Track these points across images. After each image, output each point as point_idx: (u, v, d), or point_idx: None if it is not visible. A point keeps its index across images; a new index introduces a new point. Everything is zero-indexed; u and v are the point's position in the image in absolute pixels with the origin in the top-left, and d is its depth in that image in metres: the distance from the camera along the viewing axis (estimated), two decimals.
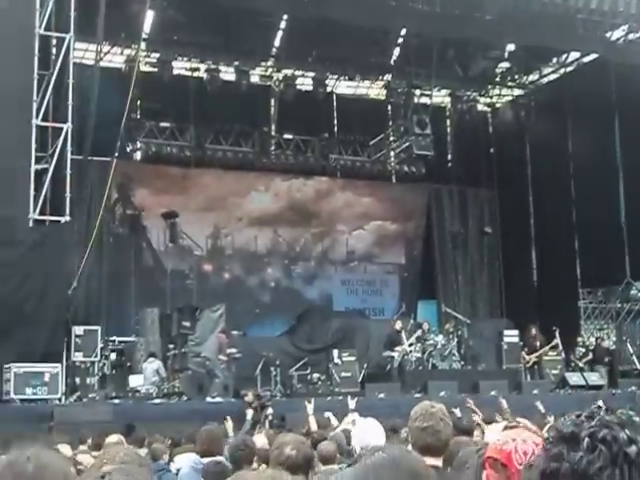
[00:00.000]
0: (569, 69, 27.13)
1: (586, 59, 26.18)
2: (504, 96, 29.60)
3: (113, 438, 8.27)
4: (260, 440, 7.64)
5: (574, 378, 21.36)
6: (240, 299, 25.32)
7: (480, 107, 29.70)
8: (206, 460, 6.69)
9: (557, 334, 22.08)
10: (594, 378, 21.40)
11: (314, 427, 10.32)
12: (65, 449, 7.23)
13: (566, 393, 20.62)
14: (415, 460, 2.77)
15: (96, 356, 19.35)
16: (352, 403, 11.23)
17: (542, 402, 13.66)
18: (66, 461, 3.06)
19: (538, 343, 22.07)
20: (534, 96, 28.40)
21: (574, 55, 26.50)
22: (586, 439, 1.30)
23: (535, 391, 20.25)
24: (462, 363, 21.81)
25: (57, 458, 2.81)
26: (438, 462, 4.26)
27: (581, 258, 26.49)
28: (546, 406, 14.28)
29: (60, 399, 16.42)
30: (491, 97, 29.62)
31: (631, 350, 22.95)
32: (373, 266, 28.88)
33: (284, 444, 4.59)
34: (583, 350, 23.17)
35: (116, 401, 17.74)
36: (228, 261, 27.20)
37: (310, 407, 11.27)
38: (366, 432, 5.60)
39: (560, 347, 22.24)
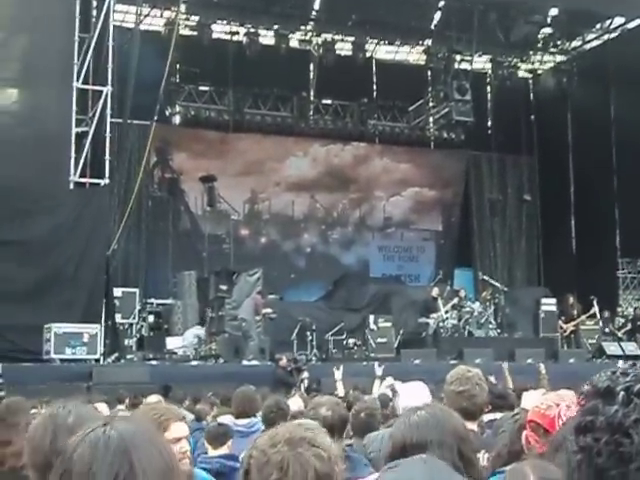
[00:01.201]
0: (613, 35, 26.67)
1: (631, 25, 25.74)
2: (546, 62, 29.18)
3: (153, 398, 8.37)
4: (296, 403, 7.71)
5: (611, 348, 21.28)
6: (276, 264, 25.39)
7: (521, 73, 29.32)
8: (242, 421, 6.77)
9: (595, 303, 21.97)
10: (631, 348, 21.30)
11: (341, 392, 10.36)
12: (102, 407, 7.33)
13: (603, 362, 20.54)
14: (457, 420, 2.78)
15: (134, 318, 19.65)
16: (379, 370, 11.17)
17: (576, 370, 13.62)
18: (102, 415, 3.11)
19: (576, 312, 21.96)
20: (576, 62, 27.98)
21: (618, 20, 26.05)
22: (621, 393, 1.31)
23: (571, 360, 20.27)
24: (498, 331, 21.79)
25: (96, 412, 2.87)
26: (473, 426, 4.27)
27: (621, 227, 26.21)
28: (582, 375, 14.25)
29: (98, 359, 16.66)
30: (532, 63, 29.21)
31: None
32: (410, 232, 28.81)
33: (319, 405, 4.62)
34: (622, 320, 23.02)
35: (153, 362, 17.97)
36: (265, 226, 27.27)
37: (338, 373, 11.29)
38: (412, 395, 5.60)
39: (598, 316, 22.11)
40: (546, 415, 3.23)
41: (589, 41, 27.73)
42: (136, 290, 20.45)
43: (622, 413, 1.29)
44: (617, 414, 1.29)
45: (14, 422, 5.82)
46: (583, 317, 21.92)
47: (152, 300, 21.55)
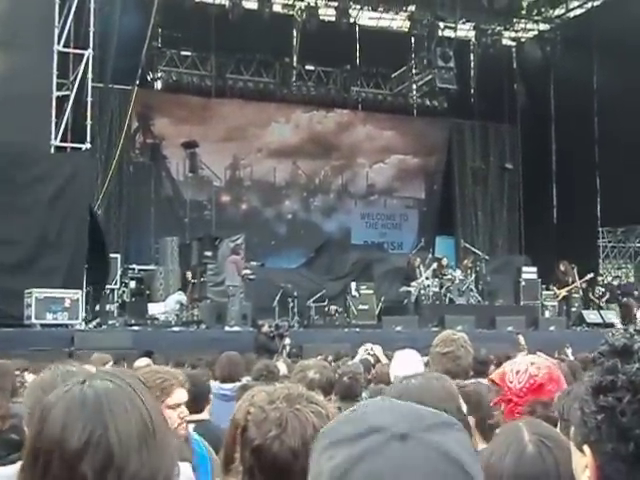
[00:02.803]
0: (597, 3, 26.57)
1: None
2: (529, 30, 29.11)
3: (142, 361, 8.35)
4: (280, 368, 7.72)
5: (591, 316, 21.46)
6: (257, 230, 25.36)
7: (505, 41, 29.22)
8: (227, 386, 6.77)
9: (575, 272, 22.10)
10: (610, 316, 21.46)
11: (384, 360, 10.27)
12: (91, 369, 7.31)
13: (582, 330, 20.71)
14: (452, 387, 2.78)
15: (116, 283, 19.59)
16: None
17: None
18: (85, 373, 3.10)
19: (570, 278, 22.06)
20: (560, 31, 27.92)
21: None
22: None
23: (552, 328, 20.38)
24: (479, 298, 21.89)
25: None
26: None
27: (602, 197, 26.30)
28: (562, 343, 14.40)
29: (80, 325, 16.61)
30: (516, 31, 29.13)
31: None
32: (393, 200, 28.83)
33: (307, 368, 4.63)
34: (602, 289, 23.17)
35: (135, 328, 17.94)
36: (246, 192, 27.19)
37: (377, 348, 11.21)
38: (404, 363, 5.62)
39: (579, 285, 22.26)
40: (498, 372, 3.41)
41: (573, 9, 27.66)
42: (118, 256, 20.38)
43: None
44: (638, 373, 1.29)
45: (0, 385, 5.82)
46: (577, 283, 22.04)
47: (134, 266, 21.48)
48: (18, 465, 2.73)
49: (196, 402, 5.15)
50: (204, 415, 5.31)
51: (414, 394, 2.68)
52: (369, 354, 10.02)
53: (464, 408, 2.81)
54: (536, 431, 2.22)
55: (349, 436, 1.15)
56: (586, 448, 1.35)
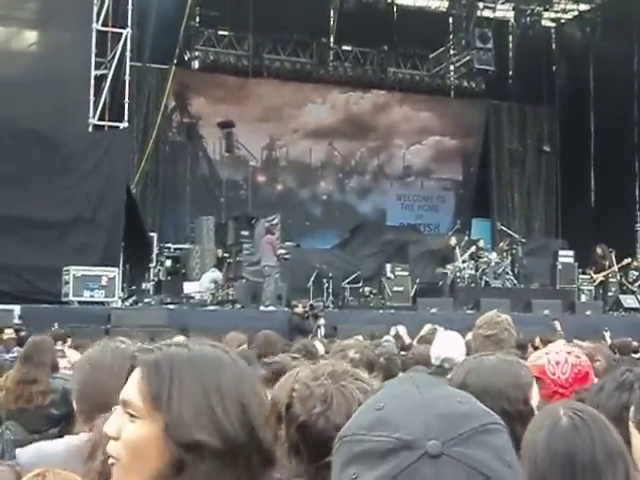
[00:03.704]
0: None
1: None
2: (569, 11, 28.72)
3: (179, 339, 8.39)
4: (317, 347, 7.72)
5: (628, 300, 21.24)
6: (292, 211, 25.33)
7: (544, 22, 28.90)
8: None
9: (613, 256, 21.87)
10: None
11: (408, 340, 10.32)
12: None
13: (619, 315, 20.53)
14: (526, 374, 2.72)
15: (152, 262, 19.71)
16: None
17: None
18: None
19: (607, 263, 21.82)
20: (600, 12, 27.51)
21: None
22: None
23: (588, 312, 20.21)
24: (515, 282, 21.75)
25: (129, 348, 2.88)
26: None
27: None
28: (598, 327, 14.27)
29: (117, 302, 16.75)
30: (556, 12, 28.75)
31: None
32: (430, 182, 28.69)
33: (347, 347, 4.62)
34: (637, 273, 22.91)
35: (171, 306, 18.05)
36: (282, 173, 27.19)
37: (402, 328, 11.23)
38: (446, 344, 5.59)
39: (616, 269, 22.03)
40: (536, 365, 3.31)
41: None
42: (154, 235, 20.50)
43: None
44: None
45: (40, 361, 5.88)
46: (615, 267, 21.79)
47: (170, 245, 21.62)
48: (67, 439, 2.76)
49: None
50: None
51: (484, 374, 2.64)
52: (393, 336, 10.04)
53: (535, 400, 2.73)
54: (572, 406, 2.19)
55: (376, 451, 1.06)
56: None
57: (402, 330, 10.89)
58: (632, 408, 1.40)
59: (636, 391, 1.34)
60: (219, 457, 1.53)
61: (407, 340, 8.59)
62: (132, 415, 1.58)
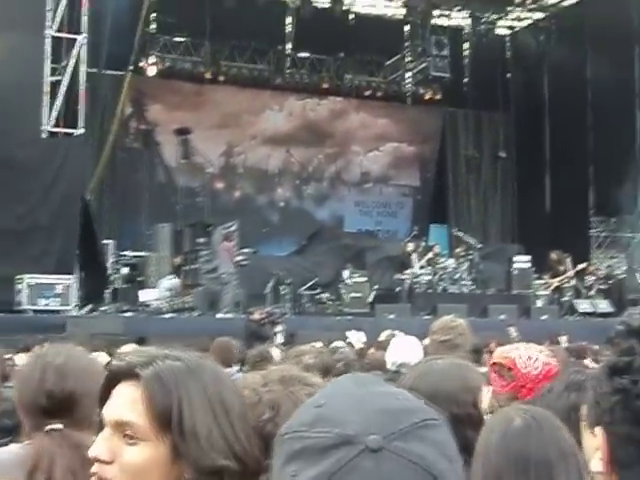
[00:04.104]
0: None
1: None
2: (524, 19, 29.04)
3: (128, 347, 8.33)
4: (273, 354, 7.71)
5: (583, 305, 21.47)
6: (249, 218, 25.22)
7: (499, 30, 29.17)
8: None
9: (569, 261, 22.12)
10: (603, 306, 21.49)
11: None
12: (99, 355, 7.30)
13: (574, 320, 20.74)
14: (475, 378, 2.72)
15: (106, 270, 19.53)
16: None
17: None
18: (92, 358, 3.08)
19: (562, 268, 22.06)
20: (554, 20, 27.84)
21: None
22: None
23: (544, 317, 20.41)
24: (472, 287, 21.89)
25: (84, 353, 2.84)
26: None
27: (595, 186, 26.31)
28: (553, 332, 14.41)
29: (73, 311, 16.57)
30: (511, 20, 29.06)
31: None
32: (388, 188, 28.78)
33: (303, 353, 4.61)
34: (593, 278, 23.19)
35: (128, 314, 17.90)
36: (239, 179, 27.13)
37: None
38: (402, 349, 5.59)
39: (572, 275, 22.28)
40: (507, 357, 3.32)
41: None
42: (110, 242, 20.32)
43: None
44: None
45: None
46: (570, 273, 22.03)
47: (126, 252, 21.43)
48: (12, 447, 2.72)
49: None
50: None
51: (433, 378, 2.64)
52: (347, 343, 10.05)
53: (485, 403, 2.73)
54: (526, 409, 2.20)
55: (316, 447, 1.04)
56: (598, 430, 1.32)
57: (352, 336, 10.92)
58: (584, 407, 1.41)
59: (587, 391, 1.35)
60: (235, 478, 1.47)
61: (357, 346, 8.60)
62: (132, 437, 1.47)
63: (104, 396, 1.53)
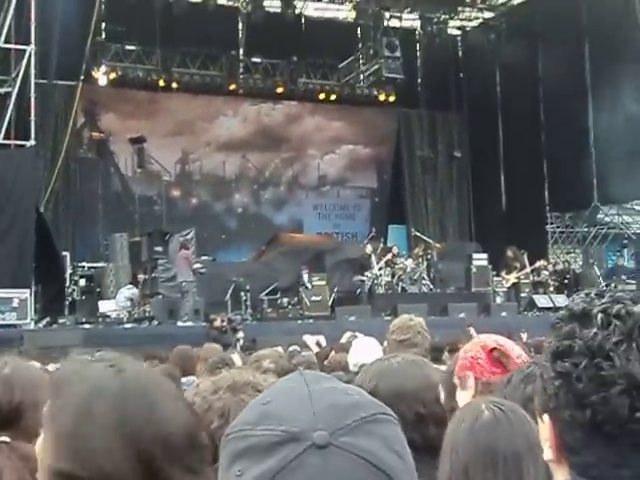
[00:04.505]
0: None
1: None
2: (474, 19, 29.29)
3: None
4: (235, 360, 7.66)
5: (542, 300, 21.65)
6: (207, 225, 25.22)
7: (450, 30, 29.37)
8: (182, 380, 6.70)
9: (525, 258, 22.31)
10: (561, 300, 21.66)
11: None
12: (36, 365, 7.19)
13: (534, 315, 20.91)
14: (415, 372, 2.69)
15: (65, 282, 19.33)
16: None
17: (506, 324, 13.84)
18: (39, 369, 3.03)
19: (518, 264, 22.24)
20: (505, 19, 28.09)
21: None
22: (599, 315, 1.26)
23: (503, 313, 20.55)
24: (431, 286, 22.00)
25: (31, 365, 2.79)
26: None
27: (549, 182, 26.57)
28: (514, 328, 14.50)
29: (29, 324, 16.37)
30: (461, 20, 29.29)
31: (598, 273, 23.24)
32: (346, 190, 28.85)
33: (262, 357, 4.58)
34: (548, 273, 23.39)
35: (86, 326, 17.73)
36: (196, 186, 27.01)
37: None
38: (363, 350, 5.58)
39: (529, 271, 22.47)
40: (500, 343, 3.22)
41: None
42: (67, 254, 20.11)
43: (602, 336, 1.24)
44: (596, 337, 1.24)
45: None
46: (527, 269, 22.22)
47: (83, 263, 21.22)
48: None
49: None
50: None
51: (394, 379, 2.62)
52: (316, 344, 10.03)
53: (469, 392, 2.72)
54: (493, 400, 2.20)
55: (261, 445, 1.01)
56: (545, 417, 1.32)
57: (308, 339, 10.91)
58: (535, 398, 1.40)
59: (537, 379, 1.35)
60: None
61: (315, 349, 8.59)
62: None
63: None
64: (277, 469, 0.99)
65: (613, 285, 20.84)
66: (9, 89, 17.43)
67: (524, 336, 12.74)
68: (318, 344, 11.50)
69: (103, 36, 24.44)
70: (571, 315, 1.29)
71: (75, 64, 20.95)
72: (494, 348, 3.15)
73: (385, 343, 5.35)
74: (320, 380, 1.11)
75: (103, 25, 24.08)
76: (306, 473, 0.99)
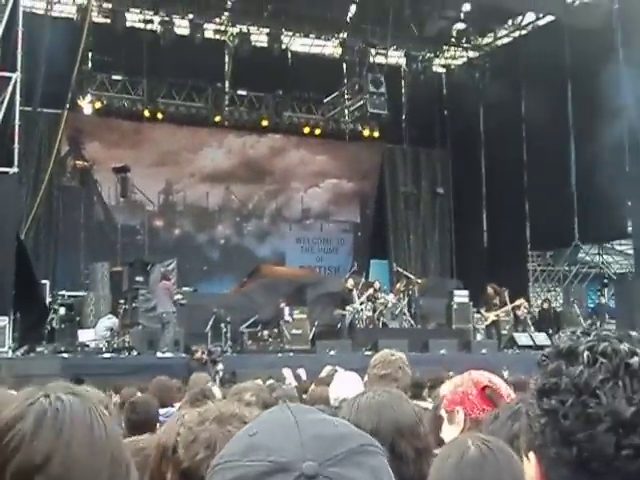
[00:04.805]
0: (524, 32, 27.21)
1: (541, 22, 26.31)
2: (459, 57, 29.59)
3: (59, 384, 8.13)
4: (215, 392, 7.61)
5: (522, 338, 21.66)
6: (189, 256, 25.19)
7: (435, 68, 29.65)
8: (160, 411, 6.64)
9: (507, 295, 22.34)
10: (541, 338, 21.69)
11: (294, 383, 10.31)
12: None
13: (514, 353, 20.90)
14: (403, 410, 2.67)
15: (45, 310, 19.19)
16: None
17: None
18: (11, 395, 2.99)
19: (498, 302, 22.25)
20: (489, 58, 28.41)
21: (529, 17, 26.59)
22: (585, 352, 1.26)
23: (484, 350, 20.54)
24: (412, 322, 21.99)
25: (9, 394, 2.77)
26: None
27: (531, 221, 26.73)
28: (494, 365, 14.48)
29: (7, 353, 16.22)
30: (446, 58, 29.59)
31: (578, 312, 23.30)
32: (329, 224, 28.92)
33: (244, 390, 4.56)
34: (528, 312, 23.43)
35: (65, 355, 17.58)
36: (179, 217, 27.01)
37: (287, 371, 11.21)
38: (344, 384, 5.56)
39: (509, 308, 22.50)
40: (492, 381, 3.21)
41: (501, 37, 28.23)
42: (47, 282, 20.00)
43: (588, 373, 1.24)
44: (582, 374, 1.24)
45: None
46: (508, 307, 22.21)
47: (63, 292, 21.10)
48: None
49: (135, 429, 4.96)
50: None
51: (391, 414, 2.59)
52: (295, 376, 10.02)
53: (415, 441, 2.69)
54: (480, 437, 2.19)
55: (249, 476, 1.00)
56: (531, 455, 1.32)
57: (287, 373, 10.89)
58: (521, 437, 1.40)
59: (523, 417, 1.35)
60: None
61: (293, 383, 8.57)
62: None
63: None
64: None
65: (599, 324, 20.86)
66: None
67: (506, 374, 12.72)
68: (297, 377, 11.49)
69: (90, 65, 24.50)
70: (557, 353, 1.29)
71: (61, 92, 20.97)
72: (486, 386, 3.15)
73: (366, 377, 5.33)
74: (306, 411, 1.11)
75: (90, 54, 24.14)
76: None
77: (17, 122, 17.59)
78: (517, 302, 22.51)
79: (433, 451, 2.53)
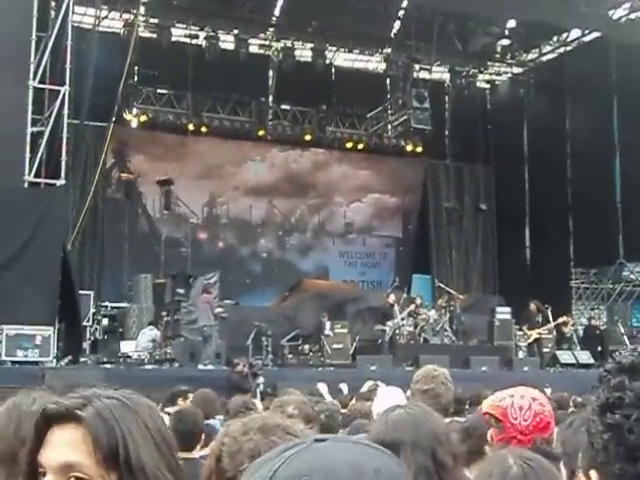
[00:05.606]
0: (569, 48, 27.02)
1: (587, 38, 26.09)
2: (503, 73, 29.51)
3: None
4: (257, 404, 7.65)
5: (565, 356, 21.44)
6: (232, 269, 25.32)
7: (479, 84, 29.58)
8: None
9: (549, 312, 22.14)
10: (584, 357, 21.47)
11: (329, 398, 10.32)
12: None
13: (557, 371, 20.71)
14: (436, 421, 2.70)
15: (88, 321, 19.39)
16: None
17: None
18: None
19: (540, 319, 22.04)
20: (533, 74, 28.30)
21: (575, 33, 26.38)
22: None
23: (525, 368, 20.35)
24: (454, 338, 21.86)
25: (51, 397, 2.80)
26: None
27: (575, 238, 26.51)
28: (536, 384, 14.36)
29: (52, 362, 16.39)
30: (490, 74, 29.52)
31: (622, 330, 23.01)
32: (372, 238, 28.92)
33: (286, 403, 4.58)
34: (574, 329, 23.22)
35: (108, 366, 17.73)
36: (222, 230, 27.17)
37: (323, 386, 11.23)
38: (389, 399, 5.57)
39: (552, 326, 22.28)
40: (499, 406, 3.28)
41: (546, 53, 28.05)
42: (91, 293, 20.21)
43: None
44: None
45: None
46: (551, 325, 22.00)
47: (107, 303, 21.32)
48: None
49: (183, 440, 4.99)
50: (193, 454, 5.10)
51: (398, 425, 2.62)
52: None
53: (451, 449, 2.71)
54: (520, 455, 2.19)
55: None
56: (593, 473, 1.31)
57: (322, 388, 10.90)
58: (580, 454, 1.40)
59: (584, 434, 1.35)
60: None
61: (328, 398, 8.58)
62: (81, 478, 1.45)
63: (37, 442, 1.50)
64: None
65: None
66: (42, 128, 17.62)
67: (548, 391, 12.63)
68: (339, 391, 11.48)
69: (136, 79, 24.83)
70: (620, 368, 1.30)
71: (107, 106, 21.26)
72: (485, 412, 3.21)
73: (409, 392, 5.33)
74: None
75: (136, 68, 24.46)
76: None
77: (65, 135, 17.83)
78: (562, 319, 22.28)
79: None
